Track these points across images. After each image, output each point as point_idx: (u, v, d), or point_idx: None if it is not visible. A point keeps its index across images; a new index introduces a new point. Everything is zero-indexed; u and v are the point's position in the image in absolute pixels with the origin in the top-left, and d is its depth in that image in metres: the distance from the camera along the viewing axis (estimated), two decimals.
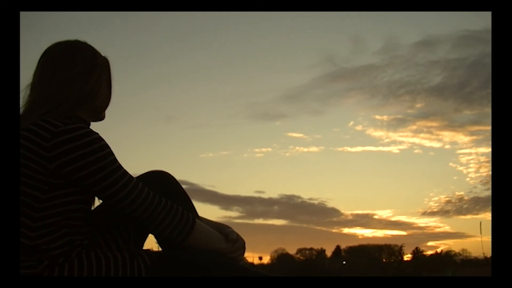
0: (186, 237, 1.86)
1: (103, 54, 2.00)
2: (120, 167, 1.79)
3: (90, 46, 1.97)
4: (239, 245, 2.01)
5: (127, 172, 1.81)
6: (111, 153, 1.78)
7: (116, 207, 1.79)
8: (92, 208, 1.93)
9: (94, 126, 1.99)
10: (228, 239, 1.98)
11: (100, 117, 2.00)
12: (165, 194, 1.92)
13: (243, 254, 2.04)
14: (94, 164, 1.72)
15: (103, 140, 1.78)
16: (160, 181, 2.05)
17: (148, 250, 1.94)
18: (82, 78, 1.87)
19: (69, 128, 1.72)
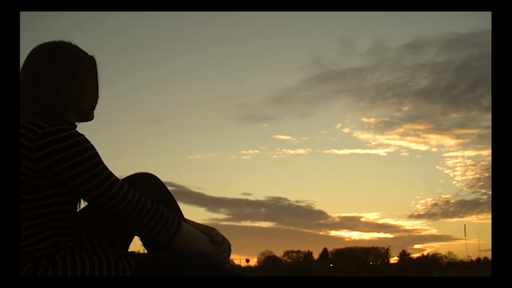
0: (171, 239, 1.86)
1: (92, 53, 1.99)
2: (105, 168, 1.80)
3: (74, 46, 1.97)
4: (225, 247, 2.02)
5: (113, 174, 1.82)
6: (96, 155, 1.78)
7: (101, 209, 1.80)
8: (78, 210, 1.93)
9: (82, 126, 1.99)
10: (214, 242, 1.98)
11: (88, 117, 1.99)
12: (151, 196, 1.92)
13: (229, 256, 2.04)
14: (79, 165, 1.72)
15: (89, 142, 1.78)
16: (146, 183, 2.05)
17: (133, 252, 1.93)
18: (67, 81, 1.87)
19: (54, 130, 1.72)
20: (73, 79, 1.88)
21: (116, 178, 1.82)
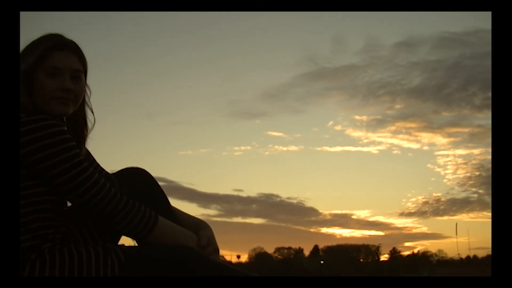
0: (146, 236, 1.86)
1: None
2: (81, 161, 1.78)
3: (37, 40, 1.91)
4: (210, 251, 2.00)
5: (89, 168, 1.80)
6: (72, 147, 1.77)
7: (74, 202, 1.81)
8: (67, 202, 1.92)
9: None
10: (199, 244, 1.97)
11: (49, 112, 1.86)
12: (140, 191, 1.94)
13: (216, 258, 2.04)
14: (54, 157, 1.72)
15: (65, 134, 1.76)
16: (135, 177, 2.05)
17: (123, 245, 1.94)
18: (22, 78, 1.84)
19: (30, 120, 1.72)
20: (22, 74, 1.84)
21: (92, 171, 1.81)
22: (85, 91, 1.99)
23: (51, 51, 1.87)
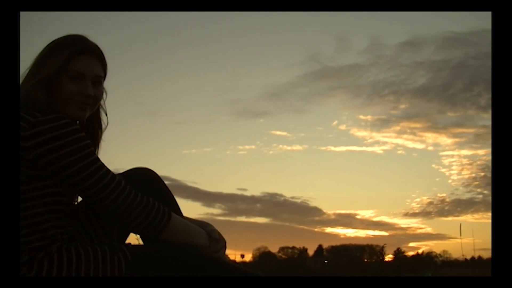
0: (159, 233, 1.85)
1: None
2: (96, 160, 1.78)
3: (59, 40, 1.90)
4: (221, 244, 2.01)
5: (104, 165, 1.80)
6: (87, 145, 1.76)
7: (90, 201, 1.79)
8: (75, 201, 1.93)
9: None
10: (211, 239, 1.98)
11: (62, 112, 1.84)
12: (148, 191, 1.92)
13: (224, 252, 2.04)
14: (69, 156, 1.71)
15: (81, 132, 1.76)
16: (143, 178, 2.05)
17: (129, 244, 1.93)
18: (38, 75, 1.83)
19: (46, 119, 1.71)
20: (38, 73, 1.83)
21: (107, 169, 1.81)
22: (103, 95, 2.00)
23: (75, 55, 1.86)
